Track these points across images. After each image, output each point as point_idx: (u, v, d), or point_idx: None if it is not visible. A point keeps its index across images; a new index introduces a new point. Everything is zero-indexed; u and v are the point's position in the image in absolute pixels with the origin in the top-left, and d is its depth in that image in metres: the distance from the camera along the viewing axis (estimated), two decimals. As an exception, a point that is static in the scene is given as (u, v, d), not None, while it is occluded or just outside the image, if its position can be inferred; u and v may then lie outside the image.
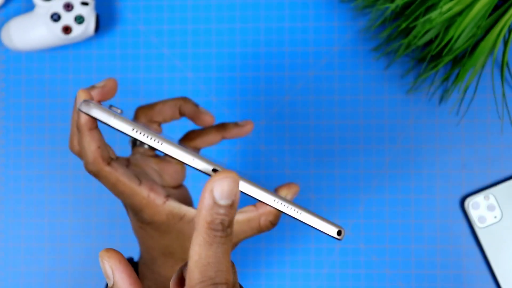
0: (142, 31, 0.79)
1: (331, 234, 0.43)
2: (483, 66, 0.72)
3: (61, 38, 0.76)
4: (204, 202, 0.36)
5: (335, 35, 0.78)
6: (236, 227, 0.51)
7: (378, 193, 0.77)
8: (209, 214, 0.36)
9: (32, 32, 0.76)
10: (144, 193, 0.50)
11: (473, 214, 0.75)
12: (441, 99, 0.77)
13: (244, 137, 0.78)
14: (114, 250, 0.39)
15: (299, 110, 0.78)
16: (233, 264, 0.38)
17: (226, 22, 0.79)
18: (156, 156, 0.57)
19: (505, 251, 0.75)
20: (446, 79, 0.75)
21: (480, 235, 0.75)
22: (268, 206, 0.51)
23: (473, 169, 0.77)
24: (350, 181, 0.77)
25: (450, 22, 0.70)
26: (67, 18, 0.75)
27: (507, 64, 0.73)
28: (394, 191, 0.77)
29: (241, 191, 0.43)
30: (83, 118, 0.47)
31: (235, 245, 0.53)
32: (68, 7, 0.75)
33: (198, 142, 0.58)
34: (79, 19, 0.75)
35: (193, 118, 0.57)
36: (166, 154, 0.43)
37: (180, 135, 0.79)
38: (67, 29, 0.75)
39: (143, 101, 0.79)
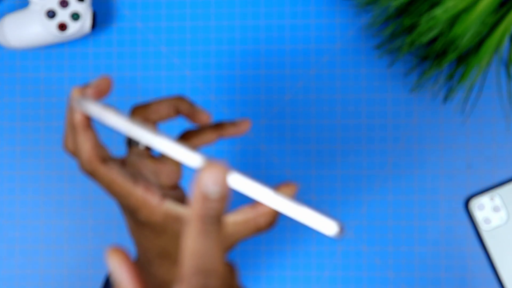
0: (140, 29, 0.79)
1: (328, 230, 0.43)
2: (488, 64, 0.73)
3: (57, 36, 0.76)
4: (194, 195, 0.37)
5: (337, 33, 0.78)
6: (233, 227, 0.51)
7: (380, 194, 0.77)
8: (199, 206, 0.37)
9: (26, 29, 0.76)
10: (139, 193, 0.50)
11: (479, 215, 0.75)
12: (446, 98, 0.77)
13: (242, 136, 0.78)
14: (120, 249, 0.40)
15: (300, 109, 0.78)
16: (235, 266, 0.39)
17: (226, 19, 0.79)
18: (152, 156, 0.57)
19: (511, 253, 0.75)
20: (450, 77, 0.75)
21: (486, 237, 0.75)
22: (265, 207, 0.51)
23: (478, 169, 0.77)
24: (352, 181, 0.78)
25: (455, 19, 0.70)
26: (63, 15, 0.75)
27: (513, 61, 0.74)
28: (397, 192, 0.77)
29: (235, 187, 0.44)
30: (78, 117, 0.48)
31: (233, 246, 0.53)
32: (64, 3, 0.75)
33: (194, 141, 0.58)
34: (75, 16, 0.75)
35: (189, 117, 0.57)
36: (163, 153, 0.44)
37: (176, 134, 0.79)
38: (62, 26, 0.75)
39: (140, 100, 0.79)
